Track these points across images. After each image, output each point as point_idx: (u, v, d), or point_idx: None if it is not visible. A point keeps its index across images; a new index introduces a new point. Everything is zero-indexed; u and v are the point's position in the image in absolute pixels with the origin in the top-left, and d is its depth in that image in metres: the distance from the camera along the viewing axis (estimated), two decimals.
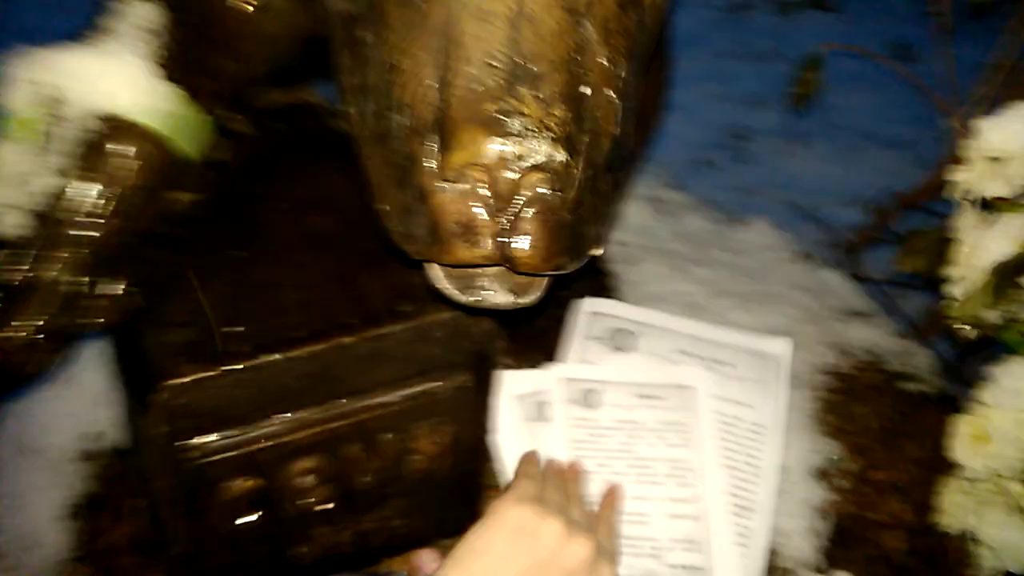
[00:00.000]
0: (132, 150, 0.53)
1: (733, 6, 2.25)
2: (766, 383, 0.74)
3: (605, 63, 0.39)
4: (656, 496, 0.67)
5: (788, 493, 0.74)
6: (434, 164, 0.39)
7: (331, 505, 0.59)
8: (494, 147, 0.38)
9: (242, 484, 0.54)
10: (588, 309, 0.76)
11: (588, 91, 0.39)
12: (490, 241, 0.39)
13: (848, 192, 1.81)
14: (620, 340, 0.75)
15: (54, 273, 0.52)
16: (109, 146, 0.53)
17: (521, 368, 0.73)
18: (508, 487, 0.52)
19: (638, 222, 1.09)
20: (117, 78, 0.54)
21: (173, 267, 0.55)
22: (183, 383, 0.48)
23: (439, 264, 0.43)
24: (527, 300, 0.44)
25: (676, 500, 0.67)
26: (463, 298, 0.44)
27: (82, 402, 0.80)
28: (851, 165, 1.97)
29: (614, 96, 0.40)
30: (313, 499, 0.58)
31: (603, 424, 0.69)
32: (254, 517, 0.56)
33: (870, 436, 0.79)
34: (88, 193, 0.53)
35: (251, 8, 0.59)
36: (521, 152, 0.38)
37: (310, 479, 0.56)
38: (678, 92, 2.50)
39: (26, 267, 0.52)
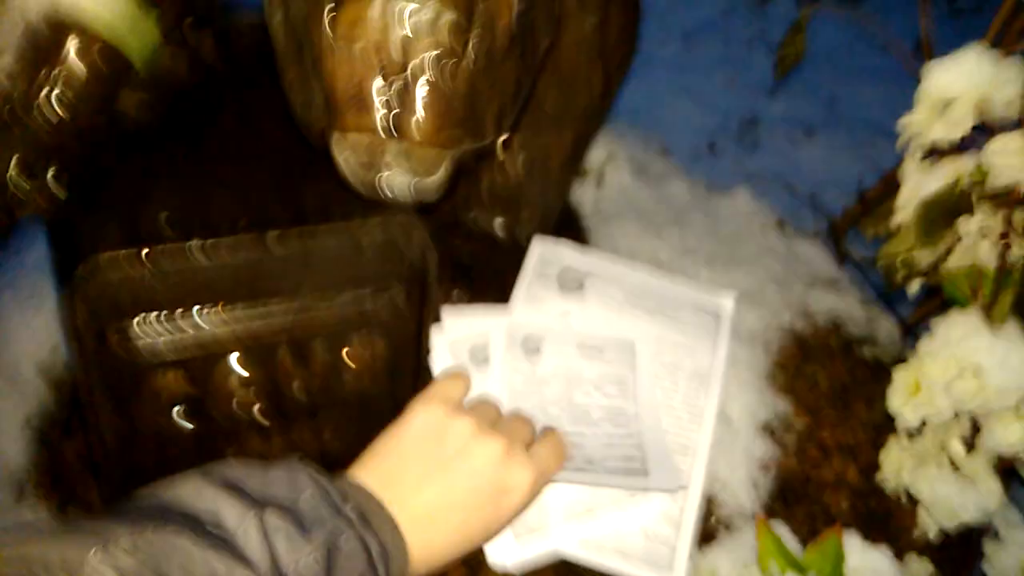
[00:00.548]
0: (73, 45, 0.54)
1: None
2: (709, 333, 0.74)
3: None
4: (591, 432, 0.67)
5: (731, 445, 0.74)
6: (325, 28, 0.39)
7: (260, 412, 0.59)
8: (382, 9, 0.38)
9: (168, 380, 0.55)
10: (540, 251, 0.76)
11: None
12: (382, 108, 0.39)
13: (853, 184, 1.79)
14: (568, 283, 0.75)
15: None
16: (49, 43, 0.54)
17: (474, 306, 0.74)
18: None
19: (619, 183, 1.09)
20: None
21: (111, 163, 0.56)
22: (104, 260, 0.49)
23: (336, 135, 0.43)
24: (430, 180, 0.44)
25: (612, 435, 0.67)
26: (364, 179, 0.44)
27: (44, 314, 0.82)
28: (859, 158, 1.96)
29: None
30: (241, 403, 0.59)
31: (540, 373, 0.69)
32: (181, 418, 0.57)
33: (821, 396, 0.79)
34: (30, 87, 0.54)
35: None
36: (410, 15, 0.38)
37: (237, 381, 0.57)
38: (690, 78, 2.48)
39: None
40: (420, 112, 0.39)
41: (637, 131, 1.22)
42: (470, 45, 0.39)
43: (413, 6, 0.37)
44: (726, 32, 2.17)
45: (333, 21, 0.38)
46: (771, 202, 1.24)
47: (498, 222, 0.80)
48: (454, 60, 0.38)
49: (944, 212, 0.55)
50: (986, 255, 0.59)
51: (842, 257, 1.05)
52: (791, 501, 0.74)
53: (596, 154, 1.09)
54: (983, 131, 0.57)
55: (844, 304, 0.89)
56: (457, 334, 0.72)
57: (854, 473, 0.75)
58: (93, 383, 0.54)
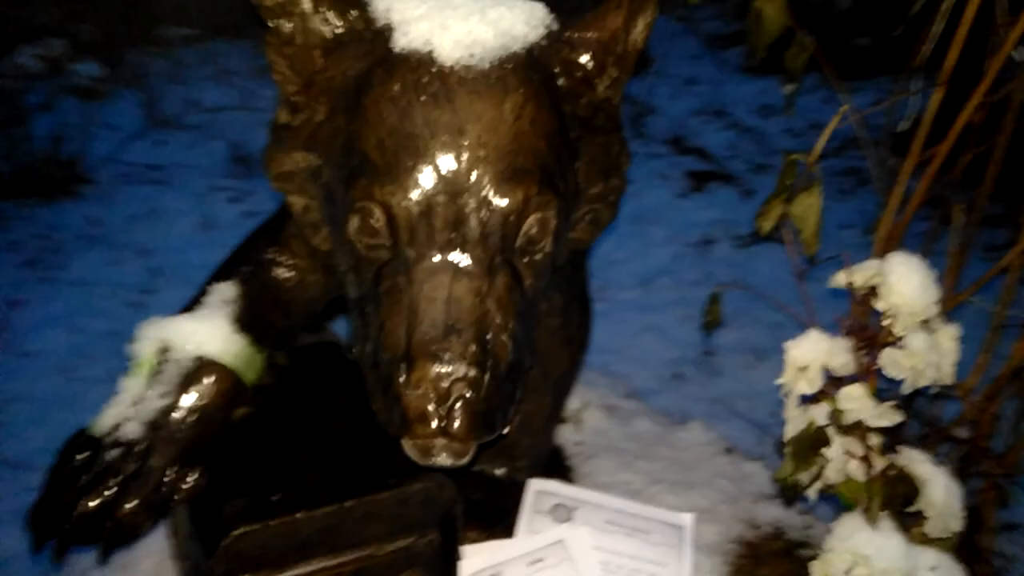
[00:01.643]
0: (212, 379, 0.80)
1: (697, 242, 2.63)
2: (675, 547, 0.95)
3: (499, 320, 0.68)
4: None
5: None
6: (403, 380, 0.66)
7: None
8: (436, 369, 0.65)
9: None
10: (535, 488, 0.99)
11: (490, 336, 0.67)
12: (435, 423, 0.65)
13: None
14: (560, 514, 0.97)
15: (155, 463, 0.77)
16: (197, 378, 0.80)
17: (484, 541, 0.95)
18: None
19: (594, 425, 1.33)
20: (205, 333, 0.82)
21: (233, 458, 0.80)
22: (240, 533, 0.71)
23: (408, 439, 0.68)
24: (463, 460, 0.69)
25: None
26: (423, 461, 0.68)
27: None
28: None
29: (506, 338, 0.68)
30: None
31: None
32: None
33: None
34: (181, 409, 0.79)
35: (295, 283, 0.89)
36: (451, 371, 0.65)
37: None
38: (651, 317, 2.79)
39: (136, 461, 0.77)
40: (458, 425, 0.65)
41: (606, 379, 1.48)
42: (484, 386, 0.65)
43: (453, 370, 0.64)
44: (677, 275, 2.51)
45: (407, 378, 0.65)
46: (726, 429, 1.47)
47: (500, 471, 1.03)
48: (475, 391, 0.65)
49: (809, 445, 0.79)
50: (855, 470, 0.82)
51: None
52: None
53: (573, 402, 1.34)
54: (836, 381, 0.83)
55: (784, 515, 1.11)
56: (475, 567, 0.92)
57: None
58: None
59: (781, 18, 1.04)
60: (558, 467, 1.17)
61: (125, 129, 2.77)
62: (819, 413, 0.82)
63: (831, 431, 0.81)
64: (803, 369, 0.83)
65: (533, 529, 0.96)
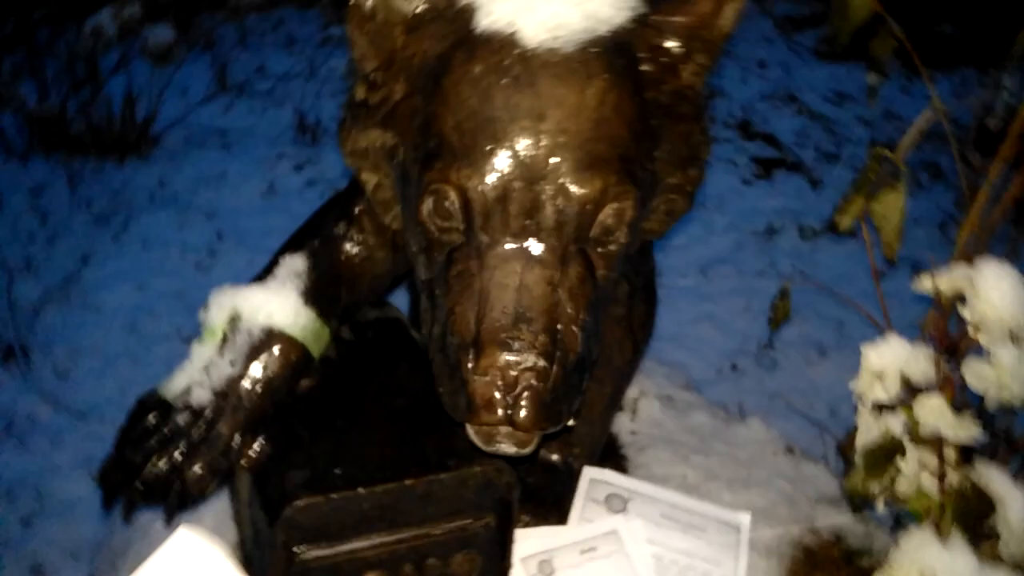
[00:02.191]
0: (278, 351, 0.81)
1: (760, 231, 2.57)
2: (731, 547, 0.93)
3: (570, 310, 0.66)
4: None
5: None
6: (470, 366, 0.65)
7: None
8: (504, 357, 0.64)
9: None
10: (589, 476, 0.98)
11: (560, 327, 0.66)
12: (501, 412, 0.64)
13: None
14: (615, 505, 0.96)
15: (221, 430, 0.78)
16: (265, 348, 0.81)
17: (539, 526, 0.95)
18: None
19: (650, 416, 1.31)
20: (273, 304, 0.83)
21: (297, 429, 0.81)
22: (301, 505, 0.72)
23: (472, 425, 0.68)
24: (526, 450, 0.68)
25: None
26: (486, 447, 0.68)
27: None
28: None
29: (576, 330, 0.67)
30: None
31: None
32: None
33: None
34: (249, 378, 0.80)
35: (362, 259, 0.89)
36: (519, 360, 0.64)
37: None
38: (710, 306, 2.75)
39: (204, 426, 0.78)
40: (524, 414, 0.64)
41: (663, 368, 1.46)
42: (552, 377, 0.65)
43: (522, 359, 0.64)
44: (738, 264, 2.46)
45: (475, 364, 0.64)
46: (784, 426, 1.44)
47: (556, 457, 1.02)
48: (543, 381, 0.64)
49: (882, 455, 0.77)
50: (928, 483, 0.79)
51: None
52: None
53: (630, 391, 1.32)
54: (911, 392, 0.80)
55: (845, 520, 1.08)
56: (527, 552, 0.92)
57: None
58: None
59: (868, 3, 0.99)
60: (613, 456, 1.16)
61: (195, 93, 2.82)
62: (894, 422, 0.79)
63: (906, 442, 0.78)
64: (880, 375, 0.80)
65: (586, 517, 0.96)
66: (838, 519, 1.08)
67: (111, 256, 2.26)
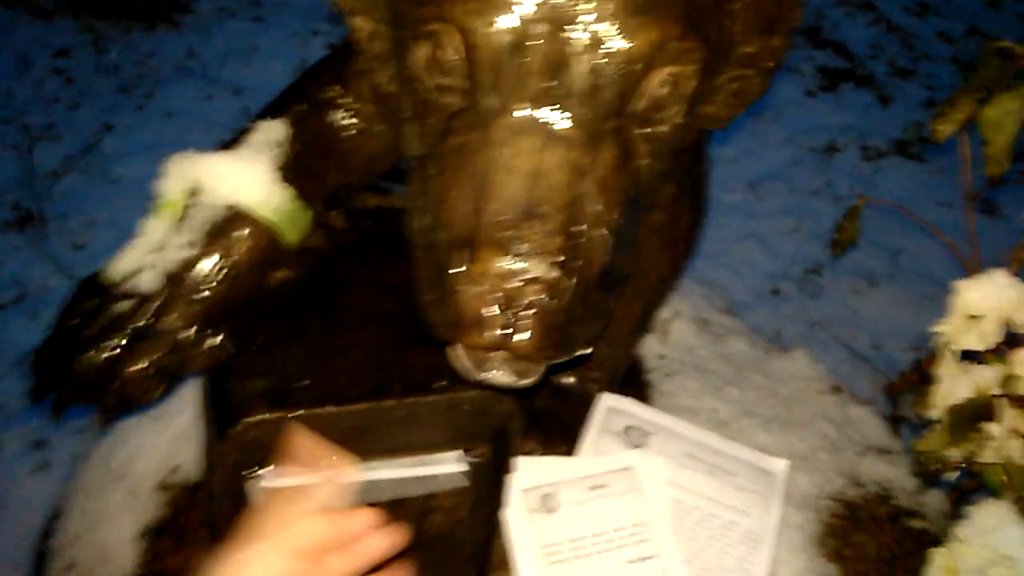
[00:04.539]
0: (245, 233, 0.68)
1: (819, 148, 2.37)
2: (763, 496, 0.81)
3: (598, 208, 0.51)
4: None
5: None
6: (461, 270, 0.51)
7: None
8: (505, 262, 0.50)
9: None
10: (606, 405, 0.85)
11: (583, 228, 0.51)
12: (497, 332, 0.50)
13: (913, 338, 1.83)
14: (633, 438, 0.83)
15: (171, 322, 0.66)
16: (228, 229, 0.68)
17: (545, 456, 0.83)
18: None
19: (682, 340, 1.17)
20: (242, 177, 0.69)
21: (262, 328, 0.68)
22: (255, 421, 0.60)
23: (459, 345, 0.54)
24: (526, 382, 0.54)
25: None
26: (475, 374, 0.54)
27: (168, 438, 0.94)
28: (921, 312, 2.01)
29: (604, 233, 0.51)
30: None
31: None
32: None
33: (868, 564, 0.83)
34: (207, 263, 0.67)
35: (356, 132, 0.74)
36: (525, 268, 0.50)
37: None
38: (757, 224, 2.58)
39: (151, 316, 0.66)
40: (525, 335, 0.50)
41: (702, 289, 1.31)
42: (567, 293, 0.50)
43: (528, 267, 0.49)
44: (792, 182, 2.28)
45: (467, 268, 0.50)
46: (829, 361, 1.30)
47: (570, 380, 0.89)
48: (555, 297, 0.49)
49: (971, 417, 0.62)
50: (1017, 452, 0.65)
51: (897, 420, 1.10)
52: None
53: (662, 311, 1.18)
54: (1008, 342, 0.65)
55: (895, 474, 0.95)
56: (529, 483, 0.80)
57: None
58: (227, 511, 0.64)
59: None
60: (635, 382, 1.03)
61: None
62: (986, 376, 0.64)
63: (1000, 402, 0.63)
64: (975, 318, 0.65)
65: (599, 450, 0.83)
66: (887, 472, 0.95)
67: (134, 126, 2.17)
